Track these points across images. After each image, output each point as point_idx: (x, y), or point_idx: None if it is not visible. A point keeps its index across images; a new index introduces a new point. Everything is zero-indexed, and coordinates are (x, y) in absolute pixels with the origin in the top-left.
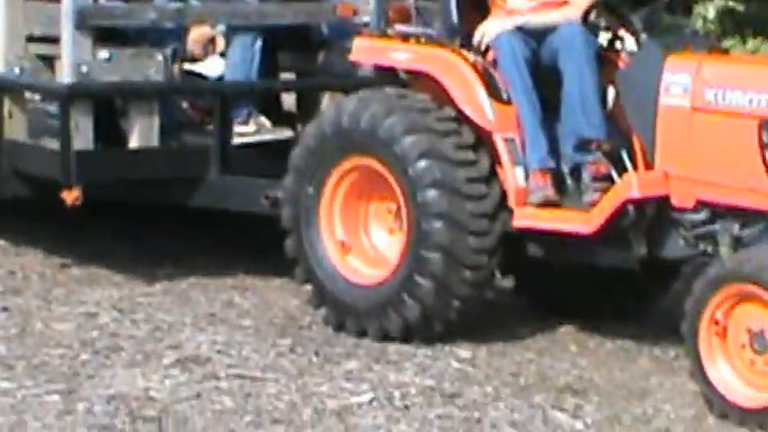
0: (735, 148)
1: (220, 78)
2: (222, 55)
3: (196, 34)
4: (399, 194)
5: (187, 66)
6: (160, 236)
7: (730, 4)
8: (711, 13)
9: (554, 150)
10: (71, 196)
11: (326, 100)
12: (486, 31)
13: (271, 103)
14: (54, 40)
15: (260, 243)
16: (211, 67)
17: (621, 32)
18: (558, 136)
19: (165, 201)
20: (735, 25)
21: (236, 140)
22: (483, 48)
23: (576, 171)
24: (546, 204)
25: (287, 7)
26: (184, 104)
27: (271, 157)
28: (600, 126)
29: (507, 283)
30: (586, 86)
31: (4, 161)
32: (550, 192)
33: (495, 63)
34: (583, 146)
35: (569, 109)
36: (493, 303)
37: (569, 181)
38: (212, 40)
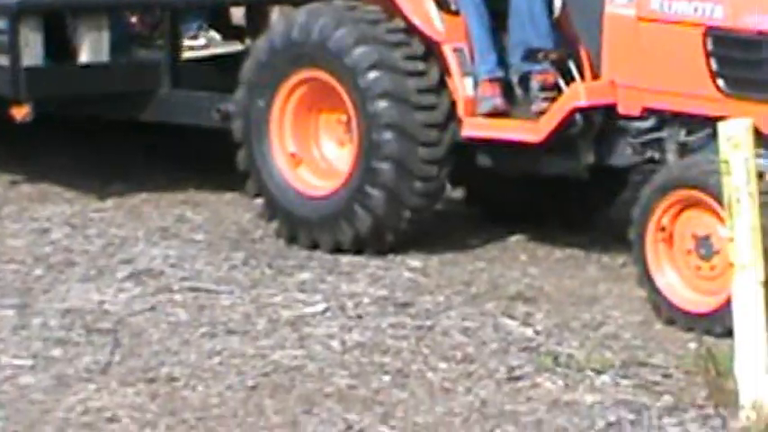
0: (680, 56)
1: None
2: None
3: None
4: (350, 106)
5: None
6: (110, 152)
7: None
8: None
9: (502, 60)
10: (21, 112)
11: (276, 13)
12: None
13: (220, 17)
14: None
15: (211, 158)
16: None
17: None
18: (506, 46)
19: (116, 116)
20: None
21: (187, 54)
22: None
23: (524, 81)
24: (495, 114)
25: None
26: (134, 19)
27: (221, 71)
28: (547, 36)
29: (457, 194)
30: None
31: None
32: (499, 101)
33: None
34: (531, 56)
35: (517, 19)
36: (444, 214)
37: (518, 91)
38: None
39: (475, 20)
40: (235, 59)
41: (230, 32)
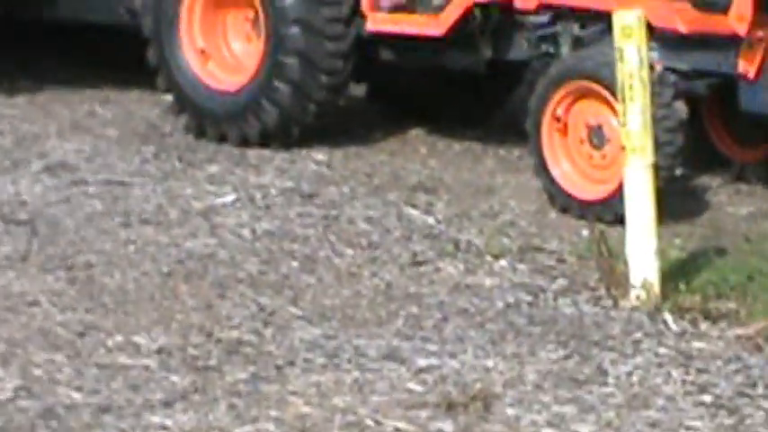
0: None
1: None
2: None
3: None
4: (257, 2)
5: None
6: (18, 50)
7: None
8: None
9: None
10: None
11: None
12: None
13: None
14: None
15: (118, 55)
16: None
17: None
18: None
19: (23, 14)
20: None
21: None
22: None
23: None
24: (398, 9)
25: None
26: None
27: None
28: None
29: (360, 90)
30: None
31: None
32: None
33: None
34: None
35: None
36: (347, 110)
37: None
38: None
39: None
40: None
41: None
